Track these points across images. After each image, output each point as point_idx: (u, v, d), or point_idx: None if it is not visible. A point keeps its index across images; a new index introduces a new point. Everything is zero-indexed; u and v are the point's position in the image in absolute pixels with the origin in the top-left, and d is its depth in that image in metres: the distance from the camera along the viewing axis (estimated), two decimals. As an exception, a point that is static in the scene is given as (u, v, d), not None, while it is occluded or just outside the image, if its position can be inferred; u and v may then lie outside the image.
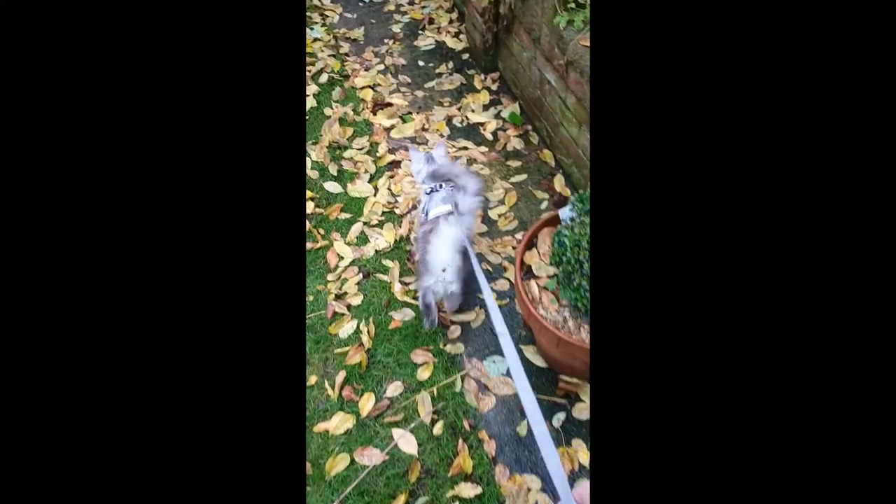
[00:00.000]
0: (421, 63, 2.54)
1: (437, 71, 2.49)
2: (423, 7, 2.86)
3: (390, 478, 1.28)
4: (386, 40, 2.67)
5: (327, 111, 2.29)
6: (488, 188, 1.97)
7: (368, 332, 1.55)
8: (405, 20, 2.79)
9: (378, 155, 2.11)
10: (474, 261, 1.36)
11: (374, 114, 2.28)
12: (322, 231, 1.84)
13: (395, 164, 2.08)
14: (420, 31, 2.71)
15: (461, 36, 2.64)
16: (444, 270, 1.40)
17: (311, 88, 2.38)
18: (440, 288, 1.44)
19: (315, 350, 1.53)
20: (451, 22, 2.74)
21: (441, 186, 1.52)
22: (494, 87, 2.38)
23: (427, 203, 1.52)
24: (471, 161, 2.08)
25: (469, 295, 1.62)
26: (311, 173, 2.04)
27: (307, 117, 2.27)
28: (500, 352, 1.50)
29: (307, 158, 2.09)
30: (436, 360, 1.49)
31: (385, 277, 1.70)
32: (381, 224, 1.86)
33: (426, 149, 1.97)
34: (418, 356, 1.50)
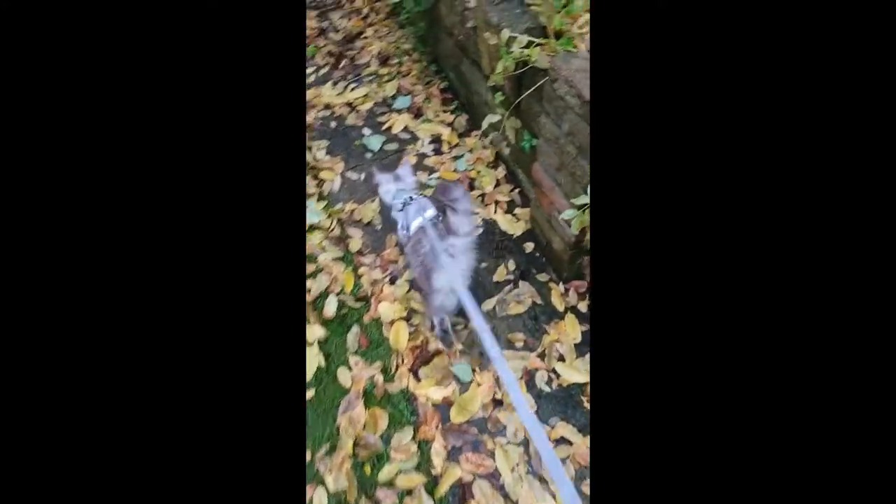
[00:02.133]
0: (469, 264, 1.77)
1: (495, 278, 1.73)
2: (456, 158, 2.10)
3: None
4: (412, 221, 1.90)
5: (342, 375, 1.50)
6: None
7: None
8: (433, 182, 2.02)
9: (435, 470, 1.33)
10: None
11: (417, 377, 1.50)
12: None
13: (467, 490, 1.30)
14: (458, 205, 1.94)
15: (517, 211, 1.90)
16: (450, 287, 1.34)
17: (314, 331, 1.58)
18: (451, 302, 1.41)
19: None
20: (497, 184, 1.99)
21: (412, 198, 1.49)
22: (583, 308, 1.63)
23: (404, 219, 1.48)
24: (579, 469, 1.32)
25: None
26: (332, 530, 1.24)
27: (310, 389, 1.47)
28: None
29: (324, 487, 1.29)
30: None
31: None
32: None
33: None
34: None
